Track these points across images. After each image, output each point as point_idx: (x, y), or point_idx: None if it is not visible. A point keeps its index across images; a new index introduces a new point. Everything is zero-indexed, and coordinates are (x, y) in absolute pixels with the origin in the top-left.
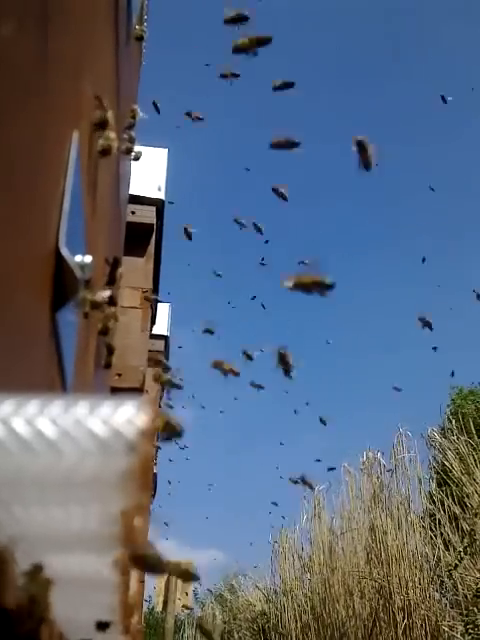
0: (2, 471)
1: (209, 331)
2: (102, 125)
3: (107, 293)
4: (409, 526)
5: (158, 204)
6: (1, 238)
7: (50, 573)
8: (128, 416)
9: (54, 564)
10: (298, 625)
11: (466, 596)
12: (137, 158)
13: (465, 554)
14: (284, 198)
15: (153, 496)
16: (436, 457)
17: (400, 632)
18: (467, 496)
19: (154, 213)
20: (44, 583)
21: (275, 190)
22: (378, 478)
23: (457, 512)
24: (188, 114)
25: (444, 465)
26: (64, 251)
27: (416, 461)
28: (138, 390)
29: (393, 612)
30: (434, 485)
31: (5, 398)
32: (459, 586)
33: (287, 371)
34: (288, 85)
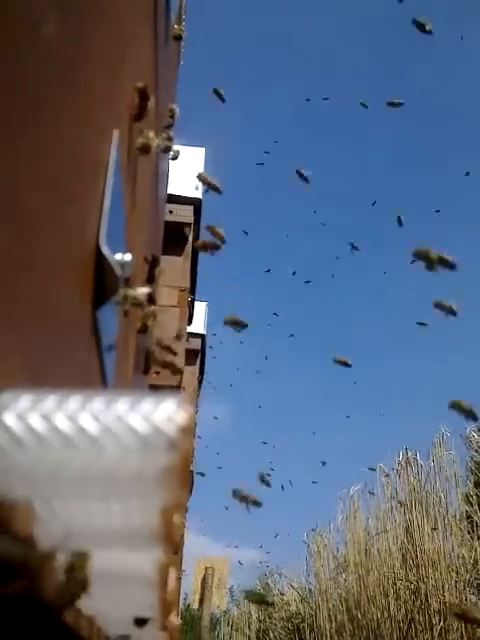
0: (44, 467)
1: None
2: (143, 96)
3: (146, 291)
4: (446, 528)
5: (195, 203)
6: (44, 236)
7: (91, 569)
8: (168, 413)
9: (94, 560)
10: (333, 625)
11: None
12: (175, 157)
13: None
14: (306, 180)
15: (190, 493)
16: (474, 457)
17: (436, 635)
18: None
19: (191, 212)
20: (83, 555)
21: (298, 173)
22: (414, 478)
23: None
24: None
25: None
26: (105, 249)
27: (454, 461)
28: (176, 388)
29: (429, 615)
30: (471, 486)
31: (47, 394)
32: None
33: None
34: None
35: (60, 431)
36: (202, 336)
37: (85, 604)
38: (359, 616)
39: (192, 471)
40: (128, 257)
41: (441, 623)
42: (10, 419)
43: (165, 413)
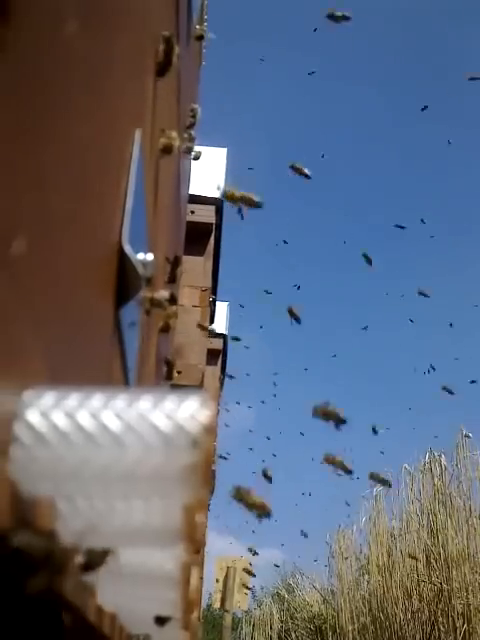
0: (66, 464)
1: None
2: (169, 46)
3: (168, 291)
4: (470, 528)
5: (217, 203)
6: (67, 236)
7: (113, 566)
8: (191, 411)
9: (116, 557)
10: (355, 627)
11: None
12: (197, 157)
13: None
14: (306, 176)
15: (211, 493)
16: None
17: (459, 637)
18: None
19: (213, 212)
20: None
21: (293, 168)
22: (439, 479)
23: None
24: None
25: None
26: (127, 249)
27: (478, 462)
28: (197, 388)
29: (452, 617)
30: None
31: (70, 392)
32: None
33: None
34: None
35: (83, 428)
36: (224, 336)
37: (106, 601)
38: (382, 617)
39: (214, 471)
40: (150, 257)
41: (465, 625)
42: (34, 416)
43: (188, 411)
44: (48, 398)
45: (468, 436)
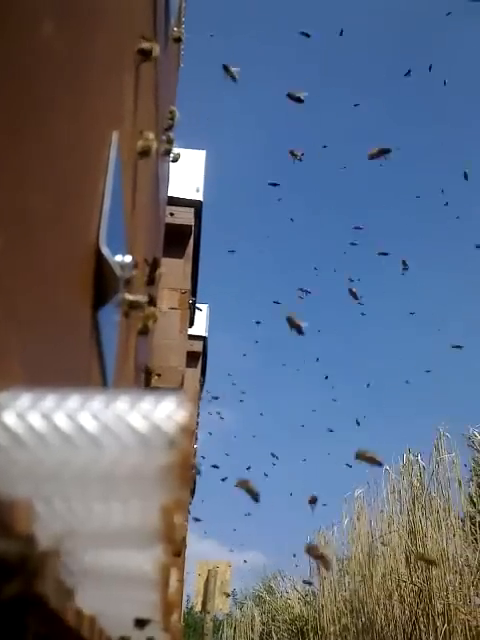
0: (44, 466)
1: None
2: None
3: (147, 293)
4: (449, 529)
5: (196, 205)
6: (45, 237)
7: (92, 569)
8: (168, 411)
9: (94, 559)
10: (337, 628)
11: None
12: (176, 160)
13: None
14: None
15: (192, 494)
16: (476, 459)
17: (440, 637)
18: None
19: (192, 214)
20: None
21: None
22: (418, 480)
23: None
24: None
25: None
26: (105, 250)
27: (456, 463)
28: (177, 390)
29: (433, 616)
30: (474, 487)
31: (47, 393)
32: None
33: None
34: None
35: (60, 430)
36: (204, 338)
37: (86, 604)
38: (363, 618)
39: (194, 473)
40: (128, 258)
41: (445, 625)
42: (10, 418)
43: (165, 411)
44: (24, 399)
45: (446, 436)
